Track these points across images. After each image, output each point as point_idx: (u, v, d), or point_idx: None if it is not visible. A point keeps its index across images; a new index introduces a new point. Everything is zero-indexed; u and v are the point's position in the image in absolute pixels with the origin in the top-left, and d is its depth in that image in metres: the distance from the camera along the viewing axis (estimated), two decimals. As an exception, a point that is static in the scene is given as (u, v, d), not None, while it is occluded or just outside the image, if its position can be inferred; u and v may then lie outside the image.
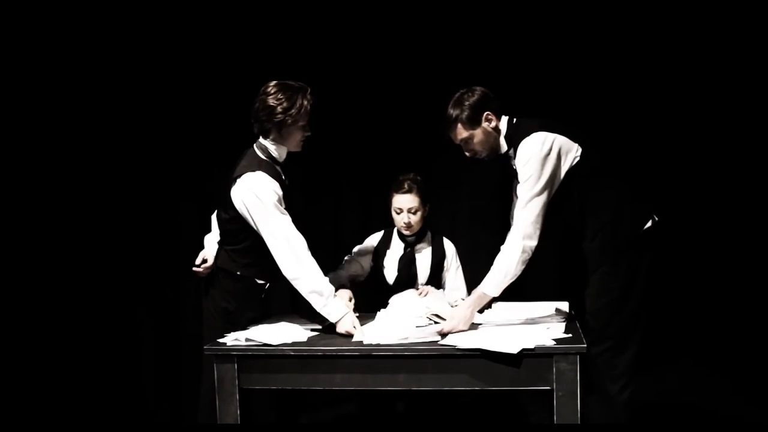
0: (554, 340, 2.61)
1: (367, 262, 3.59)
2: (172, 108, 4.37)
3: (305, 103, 2.95)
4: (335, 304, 2.91)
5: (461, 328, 2.80)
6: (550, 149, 2.89)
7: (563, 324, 2.88)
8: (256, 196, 2.90)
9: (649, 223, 3.01)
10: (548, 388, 2.56)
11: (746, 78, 4.24)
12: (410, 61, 4.41)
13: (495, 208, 4.48)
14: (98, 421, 4.18)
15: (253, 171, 2.93)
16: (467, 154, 3.11)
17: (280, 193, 2.96)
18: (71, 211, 4.27)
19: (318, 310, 2.92)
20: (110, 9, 4.21)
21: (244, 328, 2.96)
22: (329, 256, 4.56)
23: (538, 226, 2.89)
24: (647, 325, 3.04)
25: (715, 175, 4.34)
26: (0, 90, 4.12)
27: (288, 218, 2.94)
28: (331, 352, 2.67)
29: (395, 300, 3.32)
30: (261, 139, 3.03)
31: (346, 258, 3.64)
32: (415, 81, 4.41)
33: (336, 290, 3.04)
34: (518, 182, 2.95)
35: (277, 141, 3.01)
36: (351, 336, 2.83)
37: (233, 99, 3.28)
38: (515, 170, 3.00)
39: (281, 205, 2.95)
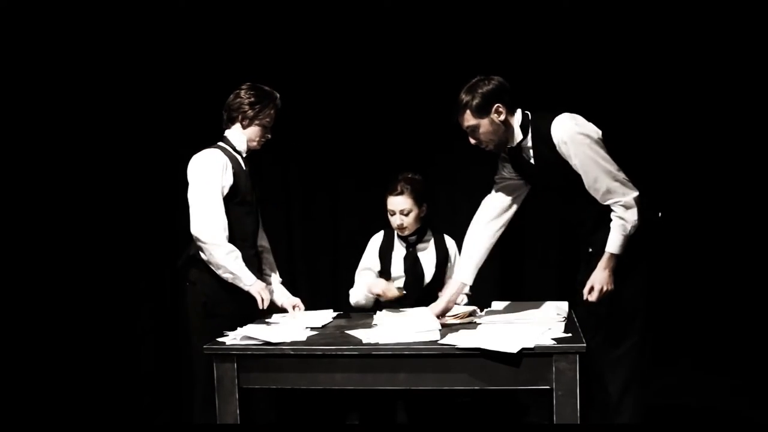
0: (554, 339, 2.61)
1: (377, 269, 3.57)
2: (171, 108, 4.38)
3: (270, 105, 3.19)
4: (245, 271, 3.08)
5: (604, 285, 2.88)
6: (584, 123, 2.92)
7: (563, 324, 2.88)
8: (196, 164, 3.08)
9: (656, 217, 3.02)
10: (548, 387, 2.56)
11: (750, 79, 4.24)
12: (410, 59, 4.41)
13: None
14: (98, 421, 4.18)
15: (208, 149, 3.13)
16: (472, 142, 3.05)
17: (226, 170, 3.09)
18: (70, 210, 4.27)
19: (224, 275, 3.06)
20: (110, 5, 4.22)
21: (231, 322, 2.97)
22: (328, 257, 4.60)
23: (625, 177, 2.90)
24: (648, 325, 3.05)
25: (714, 175, 4.34)
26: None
27: (218, 190, 3.05)
28: (331, 352, 2.67)
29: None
30: (225, 133, 3.22)
31: (357, 272, 3.61)
32: (414, 80, 4.41)
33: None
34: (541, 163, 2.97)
35: (237, 131, 3.19)
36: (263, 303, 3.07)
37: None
38: (528, 161, 3.01)
39: (219, 178, 3.06)
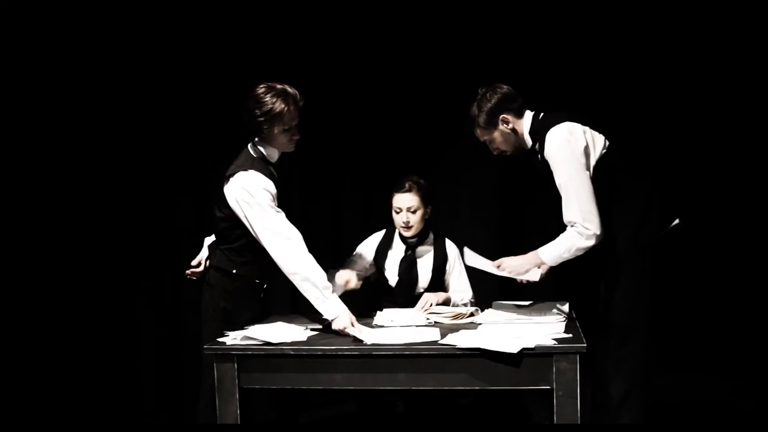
0: (554, 339, 2.61)
1: (368, 263, 3.58)
2: (170, 102, 4.37)
3: (283, 107, 2.93)
4: (333, 301, 2.91)
5: (510, 270, 2.98)
6: (578, 138, 2.90)
7: (563, 324, 2.88)
8: (249, 193, 2.91)
9: (675, 222, 3.03)
10: (548, 387, 2.56)
11: (756, 84, 4.23)
12: (412, 60, 4.41)
13: (495, 208, 4.49)
14: (98, 421, 4.18)
15: (245, 170, 2.95)
16: (493, 152, 3.15)
17: (274, 191, 2.97)
18: (71, 211, 4.27)
19: (315, 306, 2.92)
20: (111, 6, 4.22)
21: (242, 328, 2.96)
22: (329, 256, 4.59)
23: (593, 211, 2.86)
24: (651, 328, 3.05)
25: (713, 178, 4.34)
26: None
27: (282, 214, 2.95)
28: (331, 352, 2.67)
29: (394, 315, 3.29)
30: (255, 139, 3.06)
31: (347, 259, 3.63)
32: (416, 80, 4.41)
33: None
34: (547, 170, 2.96)
35: (263, 141, 3.03)
36: (346, 335, 2.83)
37: (234, 96, 3.29)
38: (543, 163, 3.00)
39: (274, 202, 2.95)
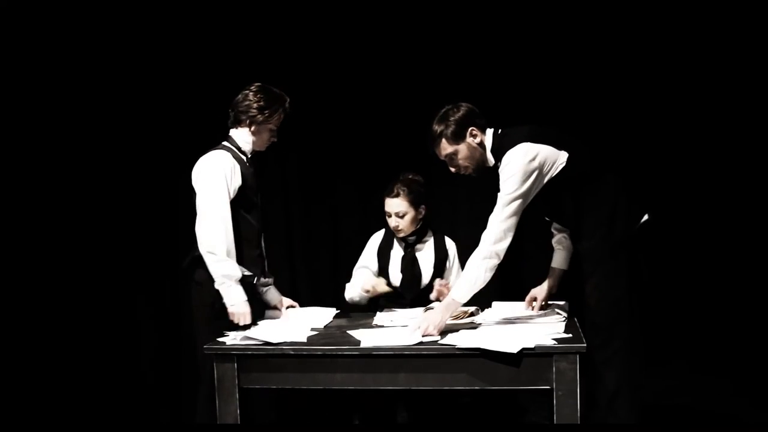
0: (554, 339, 2.62)
1: (375, 268, 3.58)
2: (171, 107, 4.38)
3: (280, 110, 3.15)
4: (234, 289, 2.97)
5: (431, 331, 2.79)
6: (533, 160, 2.89)
7: (563, 324, 2.88)
8: (205, 168, 3.04)
9: (644, 218, 3.02)
10: (548, 387, 2.56)
11: (738, 76, 4.23)
12: (410, 59, 4.42)
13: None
14: (98, 421, 4.18)
15: (215, 150, 3.10)
16: (452, 169, 3.11)
17: (234, 173, 3.05)
18: (72, 211, 4.27)
19: (217, 287, 2.99)
20: (112, 5, 4.23)
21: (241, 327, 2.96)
22: (328, 257, 4.60)
23: (510, 232, 2.90)
24: (636, 326, 3.05)
25: (710, 172, 4.34)
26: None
27: (226, 197, 3.01)
28: (331, 352, 2.67)
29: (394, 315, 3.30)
30: (231, 132, 3.17)
31: (355, 268, 3.63)
32: (415, 80, 4.42)
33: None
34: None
35: (245, 133, 3.15)
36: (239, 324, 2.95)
37: (235, 94, 3.30)
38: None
39: (226, 183, 3.02)
